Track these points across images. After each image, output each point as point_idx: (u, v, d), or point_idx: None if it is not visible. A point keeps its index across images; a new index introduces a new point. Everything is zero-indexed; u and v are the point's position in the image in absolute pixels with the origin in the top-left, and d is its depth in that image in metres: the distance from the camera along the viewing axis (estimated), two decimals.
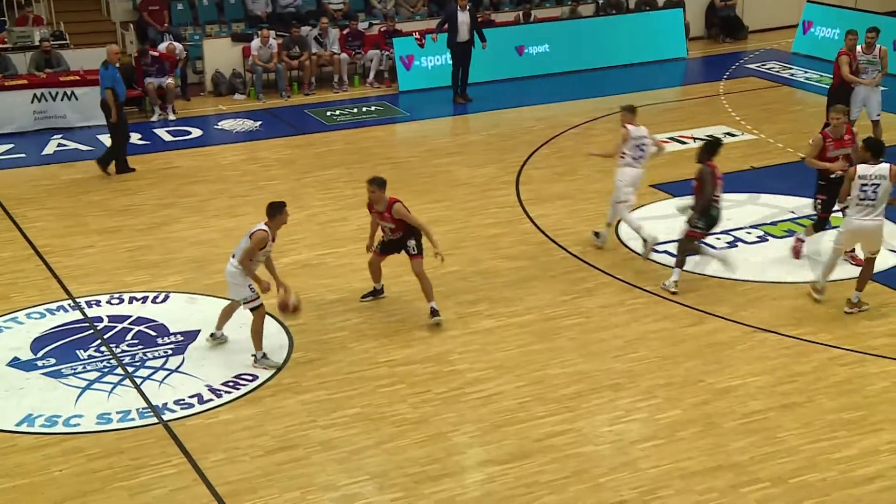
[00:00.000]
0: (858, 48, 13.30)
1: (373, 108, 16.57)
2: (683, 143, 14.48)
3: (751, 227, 11.50)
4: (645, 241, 10.58)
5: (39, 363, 8.82)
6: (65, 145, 14.83)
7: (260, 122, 15.75)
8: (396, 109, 16.46)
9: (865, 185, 9.10)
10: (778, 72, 18.16)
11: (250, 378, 8.54)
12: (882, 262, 10.08)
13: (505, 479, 7.20)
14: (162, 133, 15.29)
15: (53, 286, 10.27)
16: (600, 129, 14.82)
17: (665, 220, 11.73)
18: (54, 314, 9.68)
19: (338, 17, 18.29)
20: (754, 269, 10.47)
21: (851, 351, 8.85)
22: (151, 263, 10.80)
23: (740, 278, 10.23)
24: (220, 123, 15.80)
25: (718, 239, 11.18)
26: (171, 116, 15.94)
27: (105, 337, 9.23)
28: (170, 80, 16.06)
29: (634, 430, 7.78)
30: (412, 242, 9.23)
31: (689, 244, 10.00)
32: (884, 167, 9.12)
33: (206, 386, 8.43)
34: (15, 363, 8.82)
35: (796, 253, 10.57)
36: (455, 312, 9.52)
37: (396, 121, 15.96)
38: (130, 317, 9.60)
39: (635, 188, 10.70)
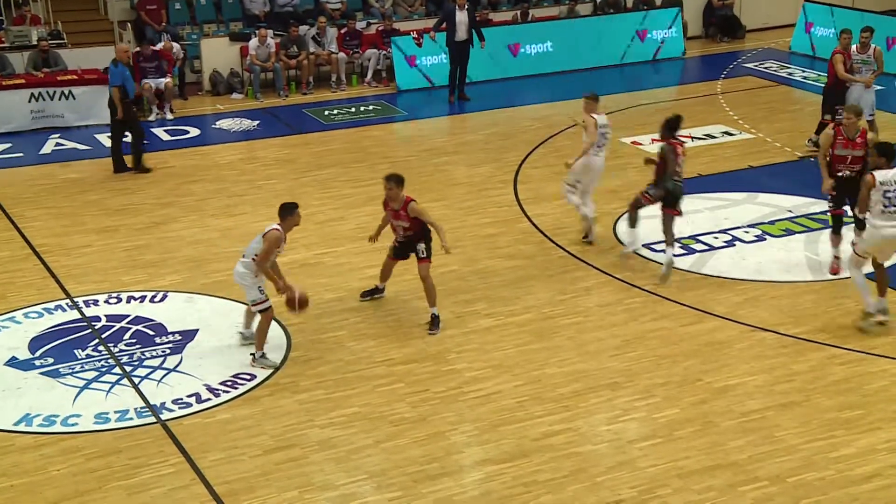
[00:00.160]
0: (853, 48, 13.31)
1: (371, 107, 16.57)
2: (682, 142, 14.47)
3: (749, 226, 11.51)
4: (586, 220, 11.00)
5: (37, 363, 8.81)
6: (62, 145, 14.82)
7: (258, 122, 15.74)
8: (394, 109, 16.46)
9: (889, 191, 8.70)
10: (776, 71, 18.17)
11: (248, 377, 8.54)
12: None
13: (503, 478, 7.20)
14: (159, 132, 15.27)
15: (51, 285, 10.26)
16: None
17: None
18: (52, 313, 9.68)
19: (336, 16, 18.29)
20: (752, 268, 10.48)
21: (849, 350, 8.85)
22: (149, 263, 10.79)
23: (738, 277, 10.24)
24: (217, 123, 15.78)
25: (716, 238, 11.20)
26: (169, 116, 15.92)
27: (103, 336, 9.22)
28: (168, 80, 16.05)
29: (632, 429, 7.78)
30: (422, 246, 9.16)
31: (634, 207, 10.38)
32: None
33: (204, 385, 8.42)
34: (13, 363, 8.81)
35: (834, 271, 10.20)
36: (453, 312, 9.52)
37: (394, 120, 15.96)
38: (128, 316, 9.59)
39: (595, 176, 10.84)
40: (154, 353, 8.93)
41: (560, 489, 7.07)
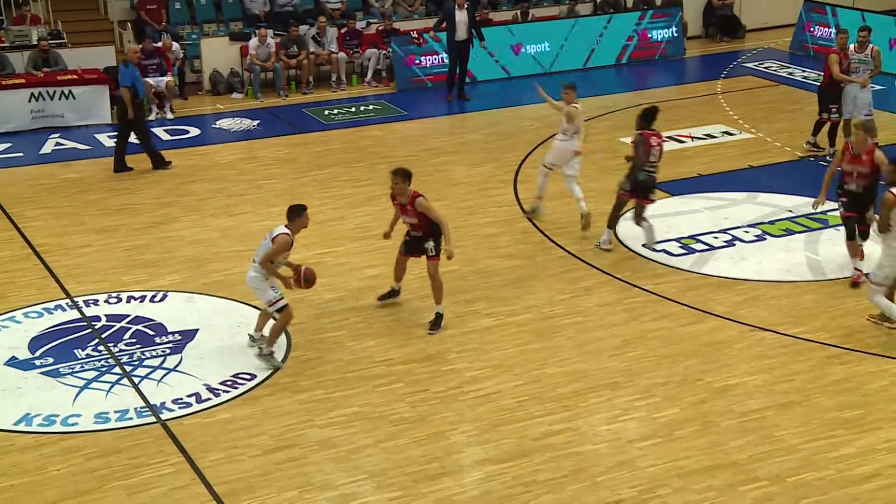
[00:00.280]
0: (851, 47, 13.30)
1: (371, 107, 16.57)
2: (682, 142, 14.49)
3: (749, 225, 11.50)
4: (534, 210, 11.64)
5: (37, 362, 8.81)
6: (62, 144, 14.81)
7: (258, 122, 15.74)
8: (394, 108, 16.45)
9: None
10: (776, 71, 18.17)
11: (248, 377, 8.54)
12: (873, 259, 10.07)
13: (503, 478, 7.20)
14: (159, 132, 15.26)
15: (51, 285, 10.26)
16: (599, 129, 14.80)
17: (665, 218, 11.75)
18: (52, 313, 9.68)
19: (336, 16, 18.28)
20: (752, 268, 10.48)
21: (849, 350, 8.85)
22: (149, 263, 10.79)
23: (738, 277, 10.24)
24: (217, 122, 15.78)
25: (716, 238, 11.20)
26: (169, 115, 15.91)
27: (103, 336, 9.22)
28: (169, 79, 16.05)
29: (632, 428, 7.78)
30: (431, 244, 9.12)
31: (616, 209, 10.68)
32: None
33: (204, 385, 8.42)
34: (13, 362, 8.81)
35: (855, 284, 9.91)
36: (453, 311, 9.51)
37: (394, 120, 15.95)
38: (128, 316, 9.59)
39: (570, 160, 11.28)
40: (154, 353, 8.93)
41: (560, 489, 7.07)
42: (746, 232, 11.34)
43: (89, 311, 9.69)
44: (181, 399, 8.22)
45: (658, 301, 9.78)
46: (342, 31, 17.75)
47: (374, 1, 19.05)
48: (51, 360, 8.83)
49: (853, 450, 7.45)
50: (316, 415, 8.00)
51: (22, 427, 7.88)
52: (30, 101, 15.24)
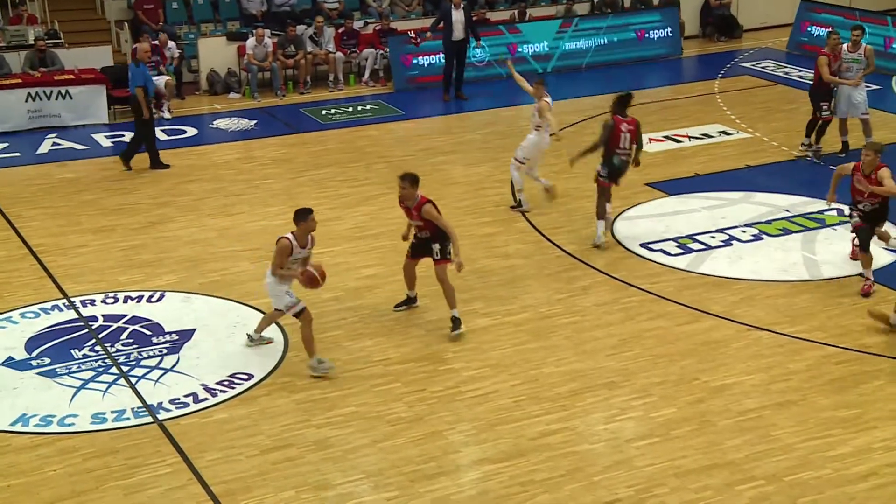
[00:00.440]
0: (844, 47, 13.30)
1: (368, 106, 16.56)
2: (679, 141, 14.51)
3: (746, 225, 11.51)
4: (520, 202, 11.85)
5: (34, 363, 8.80)
6: (59, 144, 14.80)
7: (255, 121, 15.73)
8: (392, 108, 16.45)
9: None
10: (773, 70, 18.18)
11: (245, 377, 8.53)
12: (876, 261, 10.11)
13: (500, 477, 7.21)
14: (157, 132, 15.20)
15: (48, 285, 10.25)
16: (595, 129, 14.76)
17: (662, 217, 11.77)
18: (49, 313, 9.67)
19: (333, 15, 18.28)
20: (749, 267, 10.49)
21: (846, 349, 8.86)
22: (146, 262, 10.78)
23: (735, 276, 10.25)
24: (214, 122, 15.77)
25: (713, 237, 11.20)
26: (167, 115, 15.90)
27: (100, 336, 9.21)
28: (167, 78, 16.03)
29: (629, 428, 7.78)
30: (437, 246, 9.03)
31: (600, 197, 10.87)
32: None
33: (202, 385, 8.42)
34: (9, 363, 8.80)
35: (866, 294, 9.75)
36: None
37: (392, 119, 15.95)
38: (125, 316, 9.58)
39: (541, 154, 11.80)
40: (151, 353, 8.92)
41: (557, 488, 7.08)
42: (743, 231, 11.35)
43: (86, 312, 9.68)
44: (178, 399, 8.22)
45: (655, 300, 9.79)
46: (339, 30, 17.74)
47: (372, 1, 19.04)
48: (47, 360, 8.83)
49: (850, 449, 7.46)
50: (313, 415, 8.00)
51: (18, 427, 7.87)
52: (26, 100, 15.22)
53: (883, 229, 10.07)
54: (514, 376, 8.50)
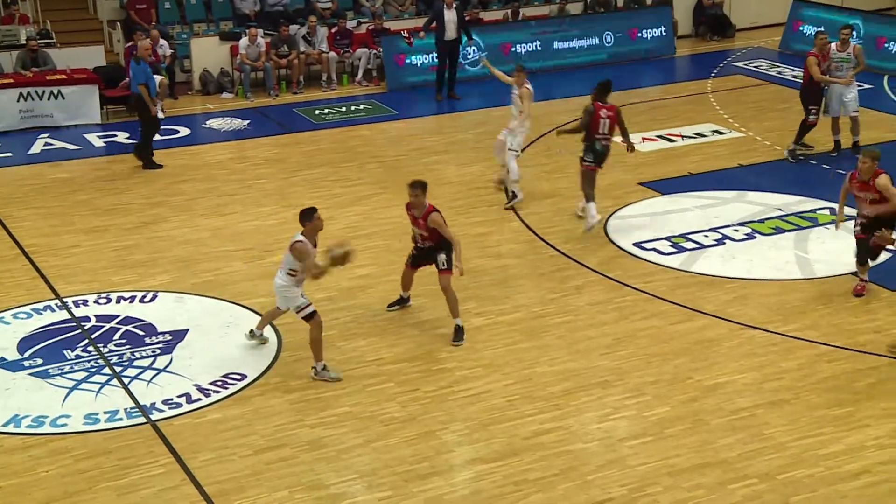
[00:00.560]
0: (833, 46, 13.32)
1: (361, 106, 16.55)
2: (672, 140, 14.52)
3: (738, 224, 11.53)
4: (514, 194, 12.04)
5: (26, 363, 8.77)
6: (51, 144, 14.76)
7: (248, 121, 15.71)
8: (385, 108, 16.45)
9: None
10: (765, 70, 18.21)
11: (239, 377, 8.52)
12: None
13: (493, 477, 7.21)
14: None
15: (40, 286, 10.23)
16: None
17: (655, 216, 11.78)
18: (41, 314, 9.64)
19: (326, 15, 18.27)
20: (742, 266, 10.50)
21: (838, 347, 8.88)
22: (139, 263, 10.76)
23: (728, 275, 10.27)
24: (207, 122, 15.75)
25: (706, 237, 11.22)
26: (160, 115, 15.82)
27: (92, 337, 9.19)
28: (161, 78, 15.97)
29: (623, 427, 7.79)
30: (442, 257, 8.95)
31: (586, 181, 11.16)
32: None
33: (195, 385, 8.40)
34: (1, 363, 8.77)
35: (858, 294, 9.75)
36: (443, 312, 9.49)
37: (385, 119, 15.94)
38: (118, 316, 9.56)
39: (524, 139, 12.21)
40: (144, 354, 8.90)
41: (550, 488, 7.08)
42: (736, 230, 11.37)
43: (79, 312, 9.65)
44: (171, 399, 8.20)
45: (648, 300, 9.80)
46: (332, 30, 17.74)
47: (365, 0, 19.03)
48: (40, 361, 8.80)
49: (842, 447, 7.47)
50: (306, 415, 7.99)
51: (10, 428, 7.85)
52: (18, 100, 15.18)
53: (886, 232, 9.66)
54: (507, 376, 8.51)
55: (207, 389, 8.35)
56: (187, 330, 9.27)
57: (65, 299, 9.89)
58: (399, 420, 7.90)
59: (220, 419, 7.94)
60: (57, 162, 14.03)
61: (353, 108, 16.45)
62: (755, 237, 11.20)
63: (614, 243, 11.08)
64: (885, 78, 17.14)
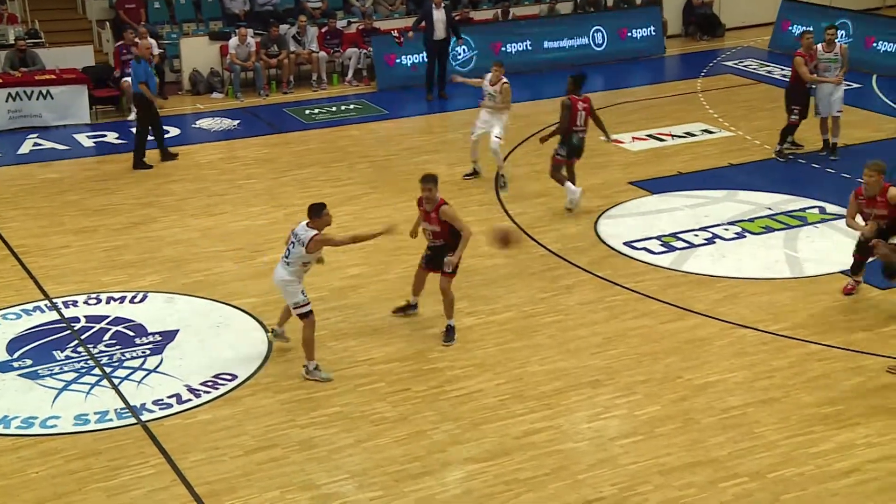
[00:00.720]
0: (819, 47, 13.36)
1: (351, 106, 16.54)
2: (661, 140, 14.55)
3: (728, 223, 11.56)
4: (503, 180, 12.57)
5: (15, 364, 8.73)
6: (40, 144, 14.69)
7: (238, 121, 15.67)
8: (375, 107, 16.43)
9: None
10: (755, 69, 18.27)
11: (229, 378, 8.50)
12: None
13: (485, 476, 7.21)
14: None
15: (30, 286, 10.18)
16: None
17: (645, 216, 11.81)
18: (30, 315, 9.60)
19: (316, 15, 18.24)
20: (732, 265, 10.53)
21: (828, 346, 8.92)
22: (129, 263, 10.72)
23: (718, 275, 10.30)
24: (197, 122, 15.70)
25: (696, 236, 11.25)
26: (132, 116, 15.73)
27: (82, 337, 9.16)
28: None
29: (613, 426, 7.80)
30: (450, 260, 8.81)
31: (556, 171, 11.62)
32: None
33: (185, 386, 8.38)
34: None
35: (848, 293, 9.71)
36: (434, 311, 9.49)
37: (375, 119, 15.92)
38: (108, 317, 9.53)
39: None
40: (134, 354, 8.87)
41: (541, 487, 7.09)
42: (726, 230, 11.40)
43: (68, 313, 9.61)
44: (162, 400, 8.18)
45: (639, 299, 9.82)
46: (323, 30, 17.71)
47: (355, 0, 19.01)
48: (29, 361, 8.76)
49: (832, 445, 7.50)
50: (297, 415, 7.97)
51: (0, 430, 7.80)
52: (7, 101, 15.10)
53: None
54: (498, 375, 8.51)
55: (198, 390, 8.32)
56: (177, 330, 9.24)
57: (54, 300, 9.85)
58: (390, 420, 7.89)
59: (210, 420, 7.92)
60: (46, 162, 13.97)
61: (343, 107, 16.43)
62: (745, 236, 11.23)
63: (605, 243, 11.09)
64: (874, 77, 17.22)
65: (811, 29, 14.15)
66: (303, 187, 12.87)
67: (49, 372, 8.59)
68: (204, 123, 15.63)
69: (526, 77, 17.95)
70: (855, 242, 9.72)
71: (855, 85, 16.14)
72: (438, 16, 16.26)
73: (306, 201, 12.23)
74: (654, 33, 19.40)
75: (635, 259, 10.68)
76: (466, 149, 14.32)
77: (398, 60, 17.57)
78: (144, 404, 8.12)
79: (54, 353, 8.89)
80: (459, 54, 17.58)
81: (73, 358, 8.82)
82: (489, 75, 12.78)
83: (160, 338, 9.13)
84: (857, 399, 8.11)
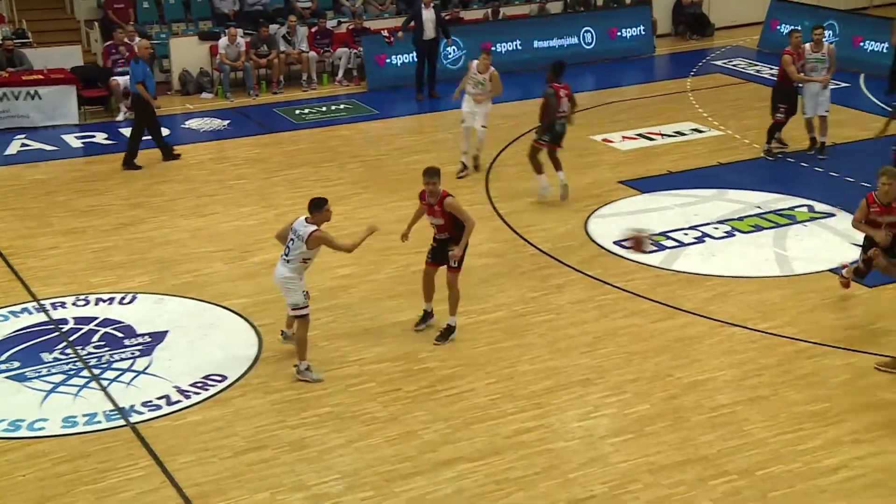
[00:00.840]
0: (807, 46, 13.40)
1: (342, 106, 16.52)
2: (651, 139, 14.58)
3: (718, 222, 11.59)
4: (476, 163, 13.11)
5: (3, 366, 8.68)
6: (28, 145, 14.62)
7: (228, 122, 15.64)
8: (366, 107, 16.41)
9: None
10: (744, 69, 18.32)
11: (219, 378, 8.48)
12: (845, 257, 10.22)
13: (476, 476, 7.21)
14: (128, 132, 15.06)
15: (17, 288, 10.13)
16: (569, 127, 14.80)
17: (635, 215, 11.83)
18: (18, 316, 9.55)
19: (306, 15, 18.21)
20: (721, 264, 10.56)
21: (816, 344, 8.95)
22: (118, 264, 10.68)
23: (708, 273, 10.32)
24: (187, 122, 15.66)
25: (686, 234, 11.27)
26: (120, 117, 15.67)
27: (71, 339, 9.12)
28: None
29: (604, 425, 7.81)
30: (455, 253, 8.75)
31: (534, 155, 11.91)
32: None
33: (175, 387, 8.35)
34: None
35: (845, 284, 9.60)
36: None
37: (365, 119, 15.90)
38: (97, 318, 9.49)
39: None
40: (123, 356, 8.84)
41: (532, 486, 7.09)
42: (716, 228, 11.43)
43: (56, 314, 9.57)
44: (151, 402, 8.15)
45: (629, 298, 9.83)
46: (313, 30, 17.68)
47: (345, 0, 18.99)
48: (17, 363, 8.71)
49: (820, 442, 7.53)
50: (288, 415, 7.96)
51: None
52: None
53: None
54: (489, 375, 8.51)
55: (187, 391, 8.30)
56: (167, 331, 9.21)
57: (42, 301, 9.81)
58: (381, 420, 7.89)
59: (200, 421, 7.89)
60: (34, 163, 13.91)
61: (333, 107, 16.41)
62: (735, 235, 11.26)
63: (595, 242, 11.11)
64: (862, 77, 17.28)
65: (799, 28, 14.18)
66: (293, 187, 12.84)
67: (37, 374, 8.55)
68: (193, 124, 15.59)
69: (516, 76, 17.96)
70: (862, 250, 9.24)
71: (843, 84, 16.20)
72: (428, 15, 16.26)
73: (297, 201, 12.37)
74: (643, 33, 19.44)
75: (625, 258, 10.69)
76: (456, 148, 14.30)
77: (388, 60, 17.56)
78: (133, 406, 8.09)
79: (42, 355, 8.85)
80: (450, 54, 17.57)
81: (61, 360, 8.78)
82: (476, 63, 12.97)
83: (149, 339, 9.10)
84: (845, 396, 8.14)
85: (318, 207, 8.28)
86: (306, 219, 8.27)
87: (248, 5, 18.16)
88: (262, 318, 9.35)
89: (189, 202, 12.43)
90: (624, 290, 9.99)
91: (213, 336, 9.15)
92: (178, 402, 8.15)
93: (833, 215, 11.63)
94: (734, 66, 18.51)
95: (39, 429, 7.80)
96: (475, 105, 12.94)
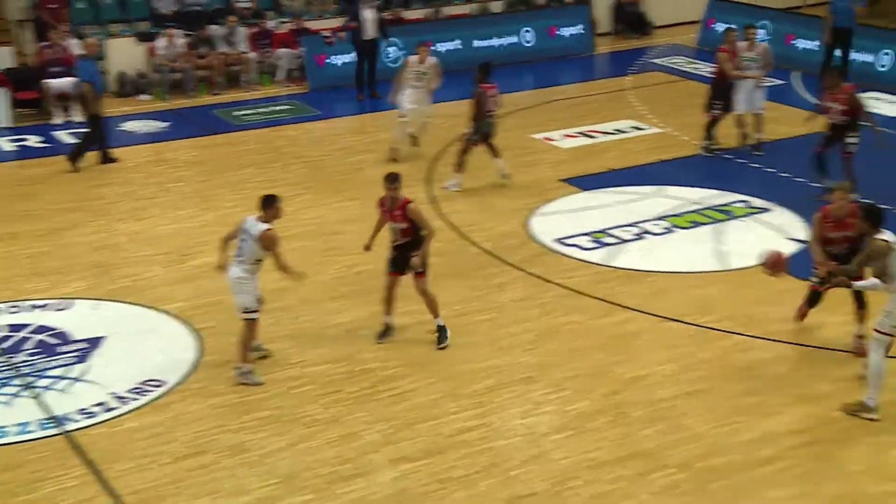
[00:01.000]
0: (743, 45, 13.66)
1: (283, 107, 16.38)
2: (591, 137, 14.71)
3: (657, 218, 11.74)
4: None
5: None
6: None
7: (167, 123, 15.41)
8: (307, 108, 16.31)
9: None
10: (682, 66, 18.59)
11: (158, 384, 8.35)
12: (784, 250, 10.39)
13: (417, 475, 7.21)
14: (63, 136, 14.79)
15: None
16: (508, 126, 14.86)
17: (575, 212, 11.93)
18: None
19: (246, 15, 18.01)
20: (661, 260, 10.70)
21: (752, 337, 9.11)
22: (53, 270, 10.47)
23: (648, 269, 10.45)
24: (125, 125, 15.40)
25: (626, 231, 11.40)
26: (77, 118, 15.40)
27: (3, 346, 8.90)
28: (77, 79, 15.53)
29: (545, 422, 7.86)
30: (416, 260, 8.69)
31: (464, 153, 12.36)
32: None
33: (111, 393, 8.21)
34: None
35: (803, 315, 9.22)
36: (368, 311, 9.46)
37: (308, 119, 15.80)
38: (30, 325, 9.29)
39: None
40: (58, 363, 8.66)
41: (474, 485, 7.11)
42: (655, 225, 11.58)
43: None
44: (87, 409, 7.99)
45: (570, 295, 9.91)
46: (253, 30, 17.51)
47: (286, 0, 18.84)
48: None
49: (756, 434, 7.66)
50: (228, 419, 7.87)
51: None
52: None
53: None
54: (431, 374, 8.51)
55: (125, 397, 8.16)
56: (104, 337, 9.05)
57: None
58: (322, 422, 7.84)
59: (137, 427, 7.77)
60: None
61: (275, 108, 16.27)
62: (674, 231, 11.42)
63: (536, 240, 11.18)
64: (799, 74, 17.63)
65: (735, 26, 14.43)
66: (235, 189, 12.70)
67: None
68: (132, 126, 15.34)
69: (456, 76, 18.00)
70: (817, 279, 8.76)
71: (778, 81, 16.52)
72: (368, 15, 16.21)
73: (238, 203, 12.24)
74: (583, 31, 19.61)
75: (566, 255, 10.78)
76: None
77: (328, 60, 17.47)
78: (68, 414, 7.92)
79: None
80: (390, 53, 17.54)
81: None
82: (414, 58, 13.36)
83: (86, 345, 8.94)
84: (779, 388, 8.30)
85: (269, 204, 8.26)
86: (257, 217, 8.18)
87: (186, 5, 17.90)
88: (202, 321, 9.23)
89: (127, 205, 12.22)
90: (565, 287, 10.06)
91: (152, 341, 9.01)
92: (115, 408, 8.01)
93: (769, 210, 11.87)
94: (673, 64, 18.77)
95: None
96: (418, 99, 13.26)
